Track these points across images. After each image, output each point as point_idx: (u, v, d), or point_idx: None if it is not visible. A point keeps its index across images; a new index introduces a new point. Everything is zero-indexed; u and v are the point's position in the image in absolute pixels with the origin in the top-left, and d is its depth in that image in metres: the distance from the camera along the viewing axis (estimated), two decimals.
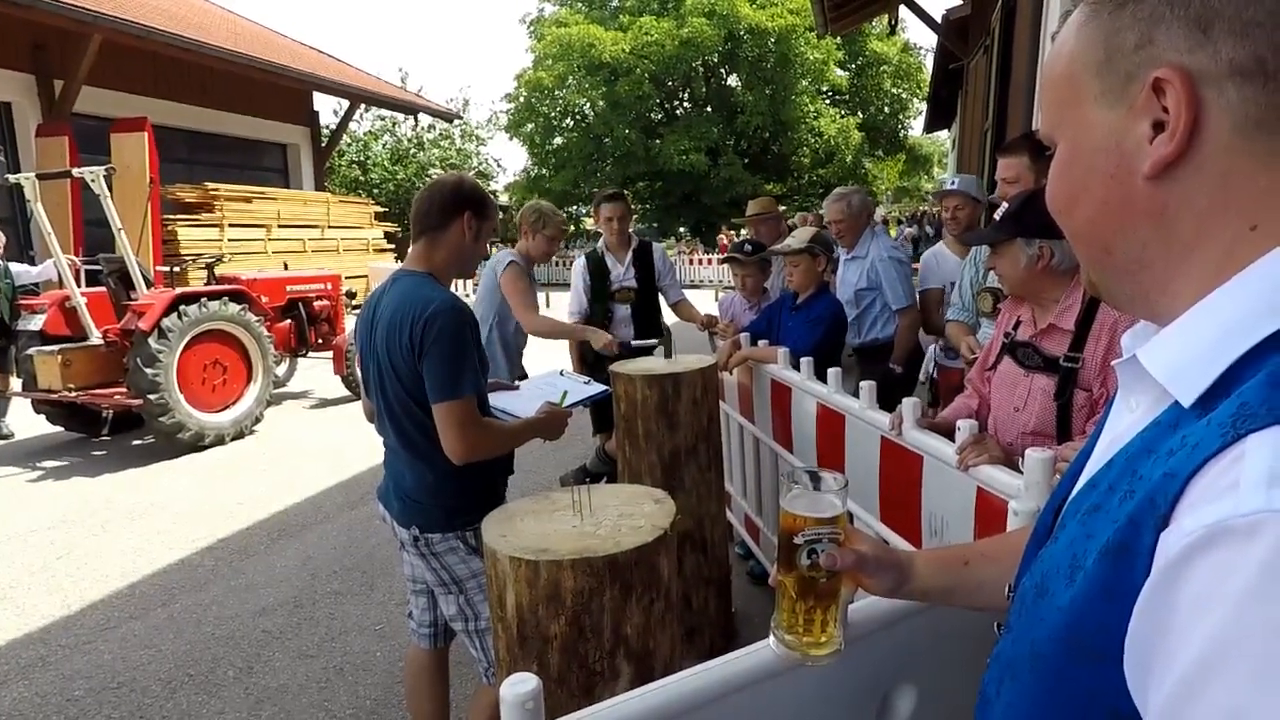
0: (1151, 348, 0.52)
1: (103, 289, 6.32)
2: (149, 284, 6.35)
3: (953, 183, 3.52)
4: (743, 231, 4.57)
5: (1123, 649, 0.44)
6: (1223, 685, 0.37)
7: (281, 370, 7.64)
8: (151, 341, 5.53)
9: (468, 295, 2.33)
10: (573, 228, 28.36)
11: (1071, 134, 0.57)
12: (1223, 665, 0.37)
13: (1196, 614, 0.39)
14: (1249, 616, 0.37)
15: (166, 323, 5.64)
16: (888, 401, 2.28)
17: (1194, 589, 0.39)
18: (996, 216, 1.87)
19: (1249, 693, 0.36)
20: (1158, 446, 0.49)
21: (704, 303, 5.19)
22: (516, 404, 2.22)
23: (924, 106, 21.71)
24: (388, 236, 16.55)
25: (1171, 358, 0.50)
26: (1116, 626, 0.44)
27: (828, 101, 27.30)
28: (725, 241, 22.33)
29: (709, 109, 26.61)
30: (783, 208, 5.30)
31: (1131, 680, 0.44)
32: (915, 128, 28.61)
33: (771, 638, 0.90)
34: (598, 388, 2.49)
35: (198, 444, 5.86)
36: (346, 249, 14.67)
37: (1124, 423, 0.57)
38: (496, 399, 2.20)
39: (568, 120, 27.21)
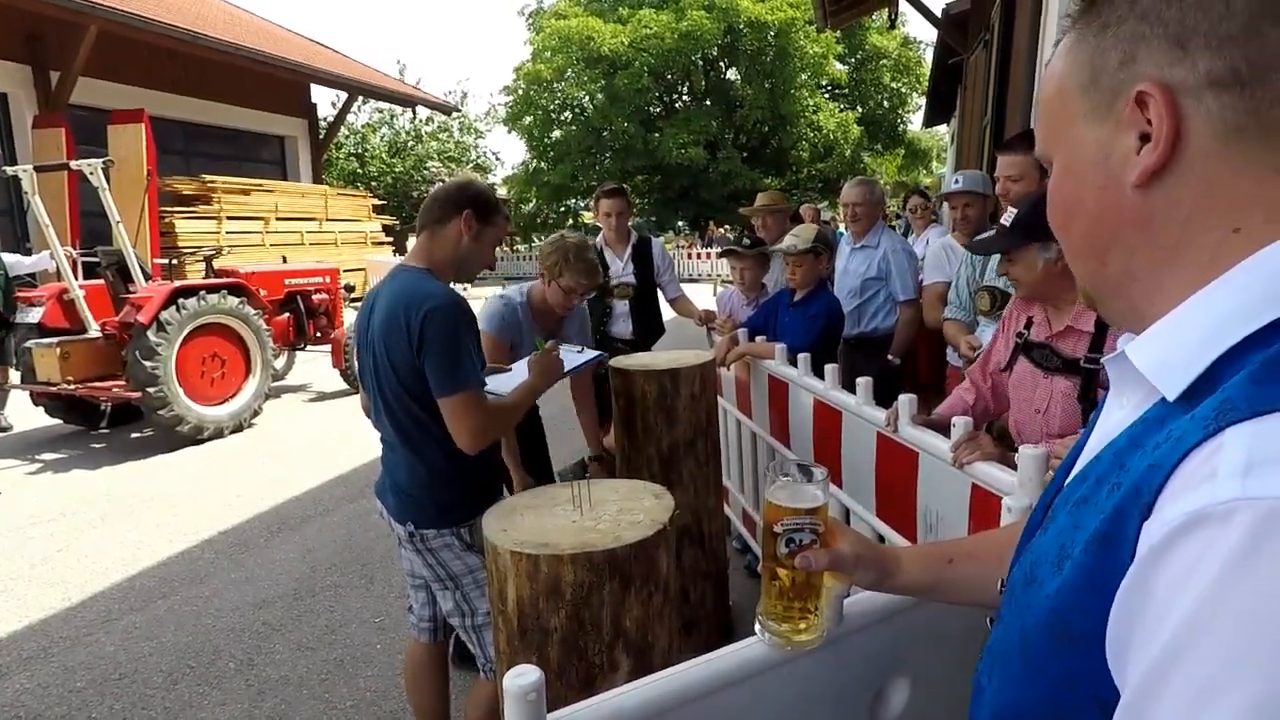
0: (1139, 344, 0.55)
1: (100, 281, 6.32)
2: (147, 276, 6.34)
3: (957, 181, 3.37)
4: (752, 223, 4.58)
5: (1105, 633, 0.46)
6: (1196, 664, 0.39)
7: (280, 364, 7.64)
8: (150, 334, 5.54)
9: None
10: (571, 221, 28.31)
11: (1065, 151, 0.60)
12: (1195, 645, 0.39)
13: (1173, 597, 0.41)
14: (1221, 600, 0.39)
15: (165, 316, 5.64)
16: (883, 394, 2.29)
17: (1171, 574, 0.42)
18: (1004, 221, 1.83)
19: (1219, 672, 0.38)
20: (1145, 441, 0.51)
21: (701, 298, 5.20)
22: (509, 384, 2.22)
23: (923, 101, 21.67)
24: (386, 229, 16.51)
25: (1157, 354, 0.53)
26: (1100, 612, 0.46)
27: (827, 95, 27.22)
28: (714, 231, 22.21)
29: (708, 102, 26.51)
30: None
31: (1112, 662, 0.46)
32: (914, 122, 28.56)
33: (757, 624, 0.93)
34: (592, 354, 2.51)
35: (196, 437, 5.87)
36: (344, 242, 14.64)
37: (1114, 419, 0.59)
38: (489, 382, 2.20)
39: (566, 113, 27.10)
